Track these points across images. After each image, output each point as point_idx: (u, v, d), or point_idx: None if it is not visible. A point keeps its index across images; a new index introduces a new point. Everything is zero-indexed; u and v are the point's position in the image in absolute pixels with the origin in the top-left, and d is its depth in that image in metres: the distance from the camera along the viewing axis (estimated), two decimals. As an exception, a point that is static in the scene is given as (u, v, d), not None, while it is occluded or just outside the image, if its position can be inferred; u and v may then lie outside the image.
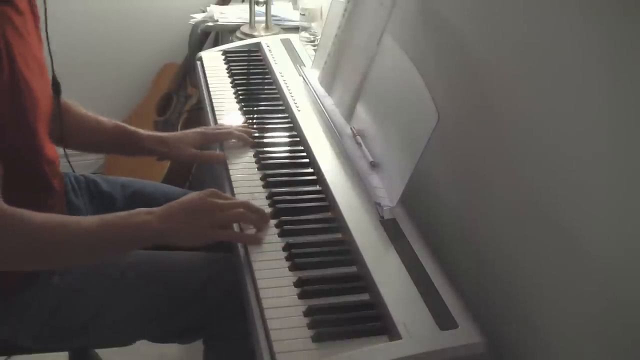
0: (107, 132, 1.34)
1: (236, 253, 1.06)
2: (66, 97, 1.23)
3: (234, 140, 1.34)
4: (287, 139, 1.38)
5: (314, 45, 1.78)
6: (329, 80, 1.42)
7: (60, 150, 1.20)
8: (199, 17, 2.17)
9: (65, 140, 1.22)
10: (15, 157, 1.03)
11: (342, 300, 0.95)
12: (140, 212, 1.03)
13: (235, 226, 1.09)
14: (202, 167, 2.25)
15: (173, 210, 1.04)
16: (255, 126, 1.40)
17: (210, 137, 1.35)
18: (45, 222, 0.98)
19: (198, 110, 2.25)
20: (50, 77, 1.15)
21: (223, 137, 1.35)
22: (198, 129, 1.37)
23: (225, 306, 1.15)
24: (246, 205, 1.08)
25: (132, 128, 1.35)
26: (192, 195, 1.07)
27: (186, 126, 2.34)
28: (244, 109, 1.48)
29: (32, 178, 1.11)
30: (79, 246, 1.01)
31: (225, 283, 1.14)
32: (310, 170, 1.25)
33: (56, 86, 1.16)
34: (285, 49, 1.74)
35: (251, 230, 1.08)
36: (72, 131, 1.26)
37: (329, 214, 1.13)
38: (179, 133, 1.38)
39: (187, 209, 1.04)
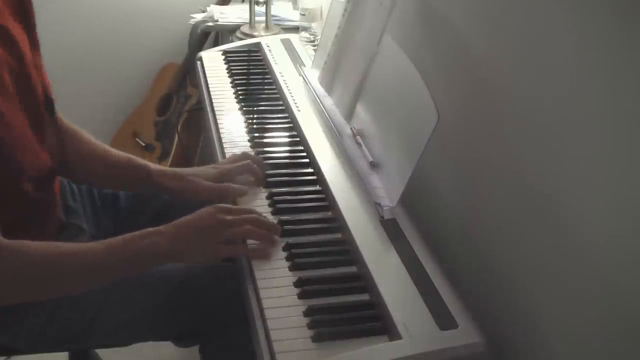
0: (117, 162, 1.25)
1: (236, 253, 1.06)
2: (70, 121, 1.20)
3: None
4: (287, 139, 1.37)
5: (314, 45, 1.78)
6: (329, 80, 1.42)
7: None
8: (199, 17, 2.17)
9: (72, 172, 1.17)
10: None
11: (342, 300, 0.95)
12: (148, 234, 1.01)
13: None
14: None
15: (182, 229, 1.02)
16: (255, 126, 1.40)
17: (225, 174, 1.22)
18: (44, 253, 0.96)
19: (198, 110, 2.24)
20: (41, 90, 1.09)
21: (238, 172, 1.22)
22: (210, 167, 1.25)
23: (224, 314, 1.14)
24: (254, 221, 1.05)
25: (143, 161, 1.26)
26: (201, 212, 1.04)
27: (186, 126, 2.34)
28: (244, 109, 1.48)
29: (17, 198, 1.06)
30: (84, 275, 0.99)
31: (225, 290, 1.12)
32: (310, 170, 1.25)
33: (50, 105, 1.09)
34: (285, 49, 1.74)
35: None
36: (79, 160, 1.21)
37: (329, 214, 1.13)
38: (192, 168, 1.26)
39: (196, 227, 1.02)
